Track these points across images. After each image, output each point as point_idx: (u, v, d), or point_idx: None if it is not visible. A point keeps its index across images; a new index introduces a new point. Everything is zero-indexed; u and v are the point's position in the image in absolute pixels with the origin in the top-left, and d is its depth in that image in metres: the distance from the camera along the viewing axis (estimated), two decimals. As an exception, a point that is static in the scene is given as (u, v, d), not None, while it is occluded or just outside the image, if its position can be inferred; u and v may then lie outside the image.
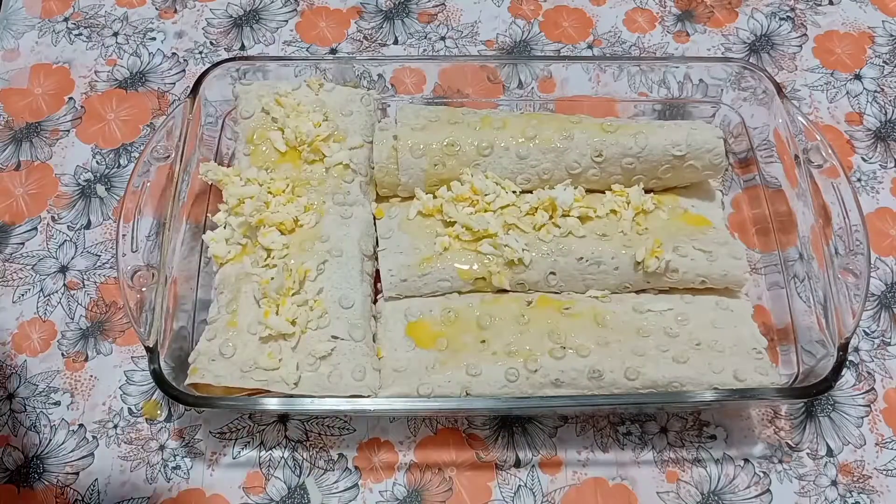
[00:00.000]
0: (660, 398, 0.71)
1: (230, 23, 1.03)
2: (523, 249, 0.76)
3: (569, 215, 0.78)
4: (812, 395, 0.69)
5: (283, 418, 0.77)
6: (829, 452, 0.76)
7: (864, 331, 0.82)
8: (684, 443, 0.76)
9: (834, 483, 0.74)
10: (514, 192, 0.80)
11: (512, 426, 0.77)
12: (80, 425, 0.77)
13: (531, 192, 0.81)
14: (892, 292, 0.84)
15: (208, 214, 0.82)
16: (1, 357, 0.80)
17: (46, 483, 0.74)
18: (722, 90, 0.88)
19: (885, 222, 0.88)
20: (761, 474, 0.75)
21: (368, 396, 0.70)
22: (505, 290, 0.77)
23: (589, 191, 0.82)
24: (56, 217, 0.88)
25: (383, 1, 1.05)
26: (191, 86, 0.83)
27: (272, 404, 0.68)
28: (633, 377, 0.70)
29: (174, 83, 0.98)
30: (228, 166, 0.82)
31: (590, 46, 1.01)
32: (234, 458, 0.76)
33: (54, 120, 0.95)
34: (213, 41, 1.01)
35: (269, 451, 0.76)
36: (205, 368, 0.69)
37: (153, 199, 0.77)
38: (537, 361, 0.70)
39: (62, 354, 0.81)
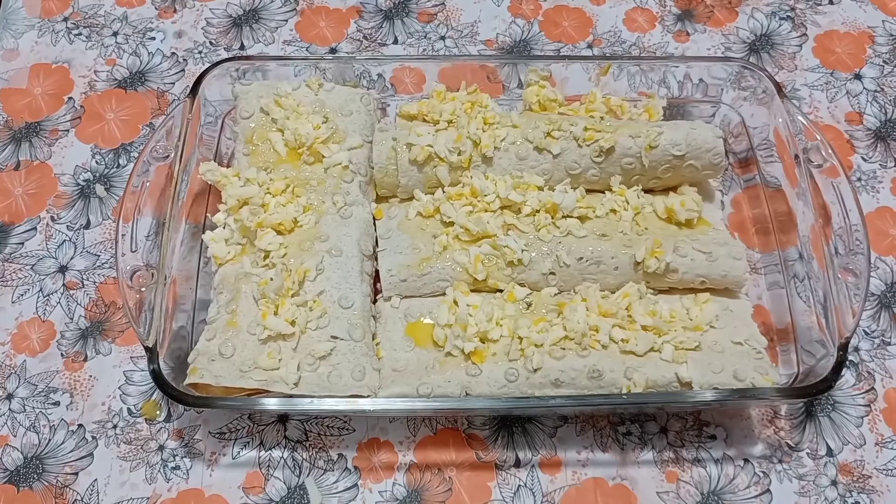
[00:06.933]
0: (660, 398, 0.71)
1: (230, 22, 1.03)
2: (522, 250, 0.76)
3: (569, 216, 0.78)
4: (812, 394, 0.69)
5: (283, 418, 0.77)
6: (829, 452, 0.76)
7: (864, 331, 0.82)
8: (684, 443, 0.76)
9: (834, 483, 0.74)
10: (538, 187, 0.80)
11: (512, 426, 0.77)
12: (80, 425, 0.77)
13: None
14: (892, 292, 0.84)
15: (208, 214, 0.82)
16: (0, 357, 0.80)
17: (46, 483, 0.74)
18: (722, 90, 0.88)
19: (885, 222, 0.88)
20: (761, 474, 0.75)
21: (368, 396, 0.70)
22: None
23: (589, 191, 0.81)
24: (55, 217, 0.88)
25: (383, 1, 1.04)
26: (190, 85, 0.83)
27: (272, 404, 0.68)
28: (632, 377, 0.70)
29: (174, 83, 0.98)
30: (228, 166, 0.82)
31: (590, 46, 1.01)
32: (233, 459, 0.76)
33: (53, 120, 0.95)
34: (213, 41, 1.01)
35: (269, 452, 0.76)
36: (204, 368, 0.69)
37: (153, 199, 0.77)
38: (534, 358, 0.71)
39: (61, 354, 0.80)
